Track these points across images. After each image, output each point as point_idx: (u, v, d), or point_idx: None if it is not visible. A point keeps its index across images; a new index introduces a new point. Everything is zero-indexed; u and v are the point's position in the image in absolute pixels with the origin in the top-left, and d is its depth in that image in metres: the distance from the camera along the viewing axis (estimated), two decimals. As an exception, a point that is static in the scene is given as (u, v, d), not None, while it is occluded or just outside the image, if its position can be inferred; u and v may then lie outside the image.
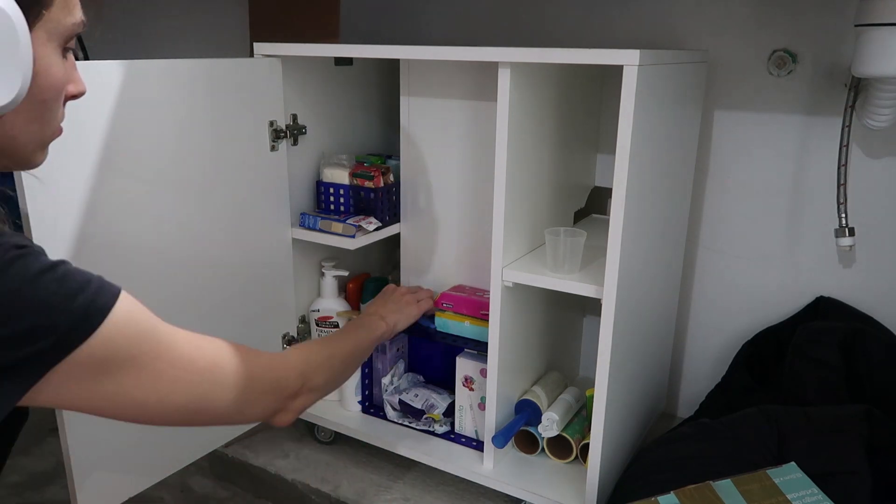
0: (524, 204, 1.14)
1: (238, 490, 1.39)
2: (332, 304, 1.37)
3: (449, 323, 1.26)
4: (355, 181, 1.30)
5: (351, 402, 1.38)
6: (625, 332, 1.09)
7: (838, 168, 1.21)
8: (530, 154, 1.13)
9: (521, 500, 1.19)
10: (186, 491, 1.40)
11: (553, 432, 1.20)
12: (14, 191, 0.88)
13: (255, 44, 1.22)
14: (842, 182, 1.21)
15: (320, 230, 1.27)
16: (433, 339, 1.28)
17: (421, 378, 1.40)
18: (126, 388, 0.65)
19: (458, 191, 1.27)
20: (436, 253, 1.33)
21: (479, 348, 1.23)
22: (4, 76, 0.57)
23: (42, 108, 0.64)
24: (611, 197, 0.99)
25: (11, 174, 0.88)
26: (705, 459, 1.04)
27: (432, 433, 1.31)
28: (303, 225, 1.29)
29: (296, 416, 0.85)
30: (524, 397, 1.24)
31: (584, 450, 1.18)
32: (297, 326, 1.38)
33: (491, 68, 1.06)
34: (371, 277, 1.47)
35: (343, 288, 1.42)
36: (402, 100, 1.28)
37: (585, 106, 1.32)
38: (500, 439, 1.17)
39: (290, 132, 1.27)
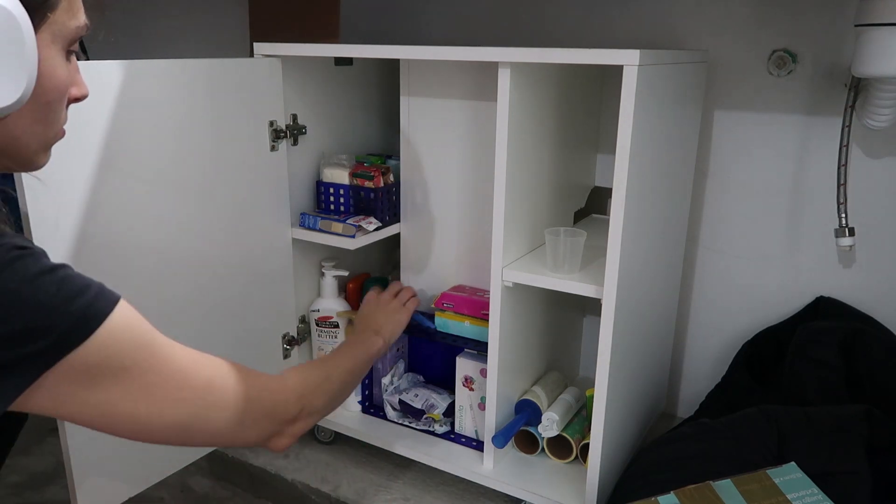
0: (524, 204, 1.14)
1: (238, 490, 1.39)
2: (332, 304, 1.37)
3: (449, 323, 1.26)
4: (355, 181, 1.30)
5: (351, 402, 1.38)
6: (625, 332, 1.09)
7: (838, 168, 1.21)
8: (530, 154, 1.13)
9: (521, 500, 1.19)
10: (186, 491, 1.40)
11: (553, 432, 1.20)
12: (15, 191, 0.88)
13: (255, 44, 1.22)
14: (842, 182, 1.21)
15: (320, 230, 1.27)
16: (433, 339, 1.29)
17: (421, 378, 1.40)
18: (118, 399, 0.64)
19: (458, 191, 1.27)
20: (436, 253, 1.33)
21: (479, 348, 1.23)
22: (9, 77, 0.57)
23: (45, 109, 0.64)
24: (611, 197, 0.99)
25: (12, 175, 0.88)
26: (705, 459, 1.04)
27: (432, 433, 1.31)
28: (303, 225, 1.29)
29: (293, 441, 0.83)
30: (524, 397, 1.24)
31: (584, 450, 1.18)
32: (297, 326, 1.38)
33: (491, 68, 1.06)
34: (371, 277, 1.47)
35: (343, 288, 1.42)
36: (402, 100, 1.28)
37: (585, 106, 1.32)
38: (500, 439, 1.17)
39: (290, 132, 1.27)
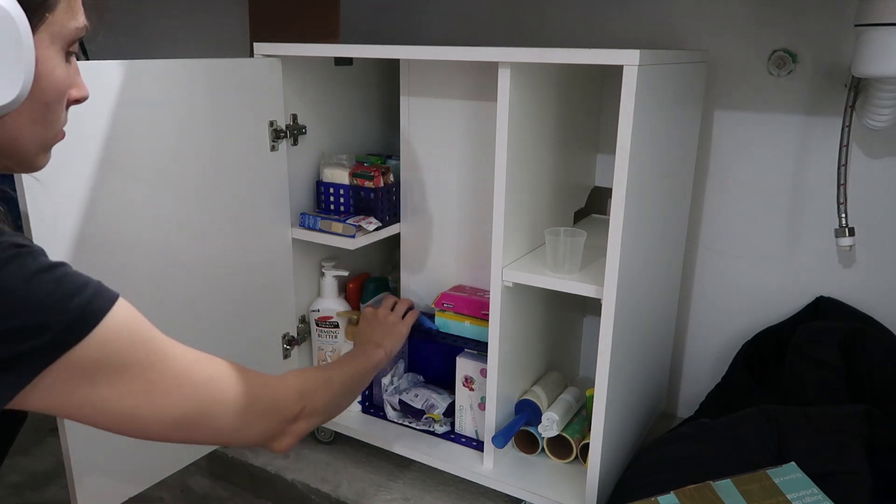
0: (524, 204, 1.14)
1: (238, 490, 1.39)
2: (332, 304, 1.37)
3: (449, 323, 1.26)
4: (355, 181, 1.30)
5: (351, 402, 1.38)
6: (625, 332, 1.09)
7: (838, 168, 1.21)
8: (530, 154, 1.13)
9: (521, 500, 1.19)
10: (186, 491, 1.40)
11: (553, 432, 1.20)
12: (14, 191, 0.88)
13: (255, 44, 1.22)
14: (842, 182, 1.21)
15: (320, 230, 1.27)
16: (433, 339, 1.29)
17: (421, 378, 1.40)
18: (118, 396, 0.64)
19: (457, 191, 1.27)
20: (436, 253, 1.33)
21: (479, 348, 1.23)
22: (7, 75, 0.58)
23: (44, 110, 0.64)
24: (611, 197, 0.99)
25: (12, 175, 0.88)
26: (705, 459, 1.04)
27: (432, 433, 1.31)
28: (303, 225, 1.29)
29: (295, 440, 0.83)
30: (524, 397, 1.24)
31: (584, 450, 1.18)
32: (297, 326, 1.38)
33: (491, 68, 1.06)
34: (371, 277, 1.47)
35: (343, 288, 1.42)
36: (402, 100, 1.28)
37: (585, 106, 1.32)
38: (500, 439, 1.17)
39: (290, 132, 1.27)
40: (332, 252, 1.38)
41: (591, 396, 1.10)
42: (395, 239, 1.36)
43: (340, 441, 1.39)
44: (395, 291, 1.42)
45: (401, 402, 1.33)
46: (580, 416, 1.28)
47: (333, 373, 0.95)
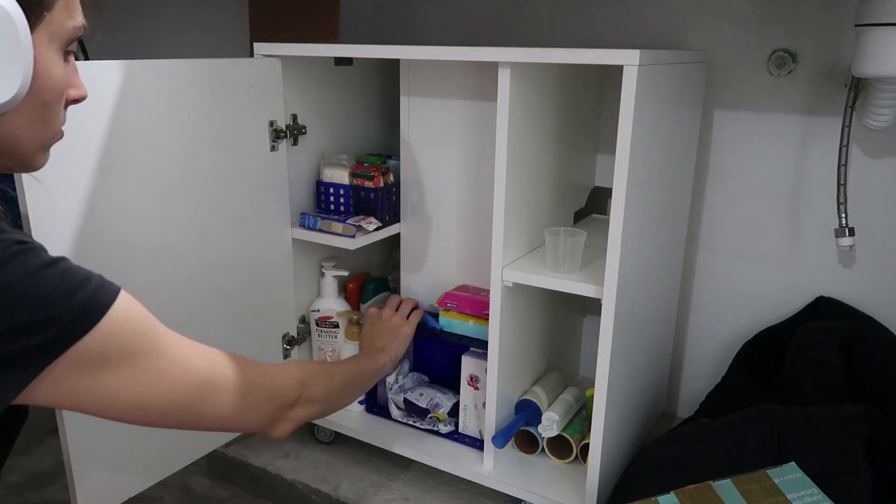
0: (524, 204, 1.14)
1: (238, 490, 1.39)
2: (332, 304, 1.37)
3: (453, 322, 1.26)
4: (355, 181, 1.30)
5: (351, 402, 1.38)
6: (625, 332, 1.09)
7: (838, 168, 1.21)
8: (530, 154, 1.13)
9: (521, 500, 1.19)
10: (186, 491, 1.40)
11: (553, 432, 1.20)
12: (14, 191, 0.88)
13: (255, 44, 1.22)
14: (842, 182, 1.21)
15: (320, 230, 1.27)
16: (438, 338, 1.29)
17: (426, 377, 1.40)
18: (124, 386, 0.65)
19: (458, 191, 1.27)
20: (436, 253, 1.33)
21: (483, 347, 1.23)
22: (5, 74, 0.58)
23: (43, 109, 0.64)
24: (611, 197, 0.99)
25: (12, 175, 0.88)
26: (705, 459, 1.04)
27: (437, 433, 1.31)
28: (303, 225, 1.29)
29: (294, 426, 0.85)
30: (524, 397, 1.24)
31: (584, 450, 1.18)
32: (297, 326, 1.38)
33: (491, 68, 1.06)
34: (371, 277, 1.47)
35: (343, 288, 1.42)
36: (402, 100, 1.28)
37: (585, 106, 1.32)
38: (500, 439, 1.17)
39: (290, 132, 1.27)
40: (332, 252, 1.38)
41: (591, 396, 1.10)
42: (395, 239, 1.36)
43: (340, 441, 1.39)
44: (395, 291, 1.42)
45: (406, 401, 1.33)
46: (580, 416, 1.28)
47: (335, 368, 0.99)
